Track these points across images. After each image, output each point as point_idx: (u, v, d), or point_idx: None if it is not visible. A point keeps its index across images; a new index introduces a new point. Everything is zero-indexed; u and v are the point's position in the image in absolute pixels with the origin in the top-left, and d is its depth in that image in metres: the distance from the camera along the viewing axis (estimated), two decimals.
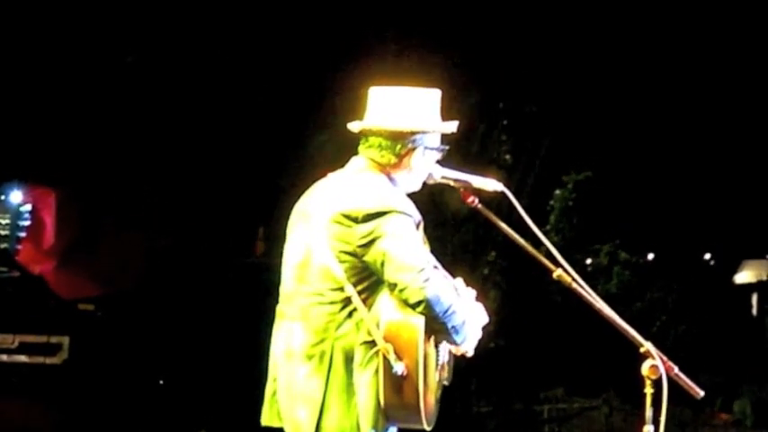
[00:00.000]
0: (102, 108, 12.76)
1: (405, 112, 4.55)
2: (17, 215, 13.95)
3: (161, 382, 10.83)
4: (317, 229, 4.41)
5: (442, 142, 4.67)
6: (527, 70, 13.67)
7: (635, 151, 15.24)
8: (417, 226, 4.40)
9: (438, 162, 4.65)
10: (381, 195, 4.40)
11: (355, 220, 4.33)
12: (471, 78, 13.07)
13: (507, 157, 13.64)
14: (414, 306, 4.24)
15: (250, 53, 12.73)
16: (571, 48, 13.81)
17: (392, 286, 4.27)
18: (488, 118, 13.59)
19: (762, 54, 14.16)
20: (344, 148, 4.75)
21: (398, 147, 4.53)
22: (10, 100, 12.40)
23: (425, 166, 4.61)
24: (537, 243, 4.50)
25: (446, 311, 4.28)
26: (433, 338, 4.40)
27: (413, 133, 4.54)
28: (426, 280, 4.23)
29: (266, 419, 4.56)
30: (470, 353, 4.63)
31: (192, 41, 12.65)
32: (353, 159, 4.63)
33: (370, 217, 4.32)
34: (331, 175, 4.63)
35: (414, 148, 4.55)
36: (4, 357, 10.02)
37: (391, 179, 4.53)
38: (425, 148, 4.58)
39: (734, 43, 14.47)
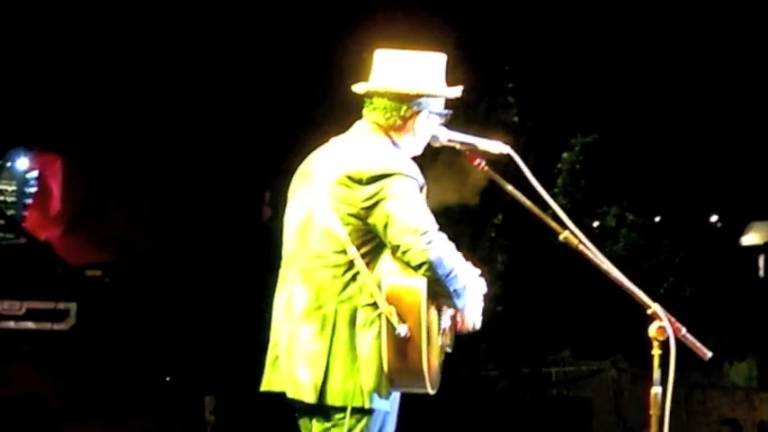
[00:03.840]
0: (109, 73, 12.73)
1: (411, 75, 4.54)
2: (24, 182, 13.95)
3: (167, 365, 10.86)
4: (319, 192, 4.41)
5: (448, 105, 4.66)
6: (534, 32, 13.63)
7: (642, 113, 15.19)
8: (421, 189, 4.40)
9: (444, 124, 4.63)
10: (386, 157, 4.39)
11: (360, 182, 4.32)
12: (478, 40, 13.02)
13: (515, 119, 13.63)
14: (416, 268, 4.23)
15: (256, 21, 12.69)
16: (577, 10, 13.76)
17: (395, 248, 4.25)
18: (495, 80, 13.56)
19: None
20: (350, 112, 4.73)
21: (404, 109, 4.52)
22: (16, 66, 12.38)
23: (428, 131, 4.60)
24: (544, 206, 4.48)
25: (448, 274, 4.27)
26: (435, 303, 4.40)
27: (419, 96, 4.53)
28: (430, 242, 4.22)
29: (266, 385, 4.53)
30: (478, 325, 4.61)
31: (198, 11, 12.61)
32: (357, 123, 4.61)
33: (374, 179, 4.30)
34: (334, 140, 4.63)
35: (418, 112, 4.54)
36: (12, 324, 10.05)
37: (394, 143, 4.53)
38: (430, 112, 4.57)
39: (740, 10, 14.41)
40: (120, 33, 12.59)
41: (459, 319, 4.59)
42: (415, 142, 4.59)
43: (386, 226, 4.26)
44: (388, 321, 4.24)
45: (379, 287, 4.28)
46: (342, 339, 4.31)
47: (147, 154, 13.05)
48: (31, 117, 12.86)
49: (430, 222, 4.30)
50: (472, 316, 4.56)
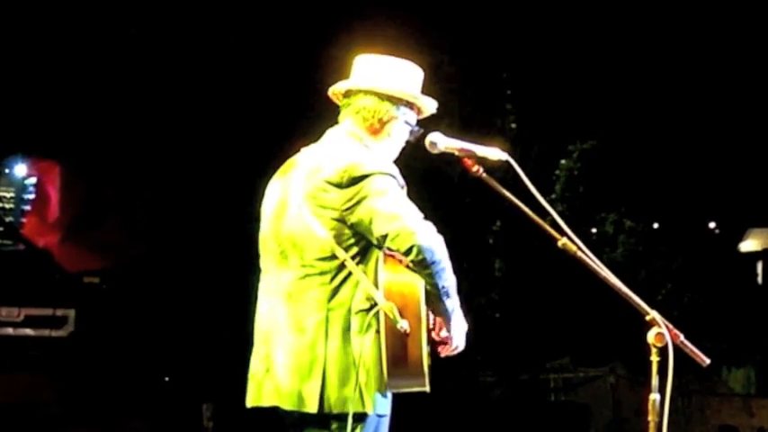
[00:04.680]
0: (107, 82, 12.76)
1: (397, 79, 4.53)
2: (22, 188, 13.99)
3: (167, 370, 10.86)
4: (296, 201, 4.37)
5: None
6: (532, 40, 13.64)
7: (640, 120, 15.22)
8: (401, 189, 4.38)
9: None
10: (363, 159, 4.34)
11: (339, 186, 4.27)
12: (476, 48, 13.04)
13: (512, 126, 13.64)
14: (406, 253, 4.17)
15: (248, 34, 12.75)
16: (575, 18, 13.78)
17: (383, 238, 4.20)
18: (493, 87, 13.58)
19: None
20: (334, 117, 4.70)
21: (384, 110, 4.50)
22: (15, 74, 12.39)
23: (401, 140, 4.58)
24: (542, 212, 4.47)
25: (438, 263, 4.21)
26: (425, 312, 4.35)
27: (401, 100, 4.52)
28: (418, 226, 4.18)
29: (256, 400, 4.42)
30: (461, 348, 4.49)
31: (193, 19, 12.64)
32: (329, 132, 4.58)
33: (354, 180, 4.26)
34: (305, 150, 4.57)
35: (396, 117, 4.52)
36: (10, 331, 10.04)
37: (369, 148, 4.48)
38: (405, 121, 4.55)
39: (739, 15, 14.43)
40: (118, 46, 12.63)
41: (444, 335, 4.50)
42: (388, 149, 4.56)
43: (371, 221, 4.21)
44: (387, 319, 4.22)
45: (376, 285, 4.27)
46: (335, 346, 4.27)
47: (142, 161, 13.07)
48: (30, 124, 12.88)
49: (416, 212, 4.28)
50: (458, 332, 4.45)
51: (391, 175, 4.31)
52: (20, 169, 14.02)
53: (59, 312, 10.14)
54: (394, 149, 4.59)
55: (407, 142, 4.63)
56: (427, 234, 4.19)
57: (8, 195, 13.92)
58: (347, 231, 4.26)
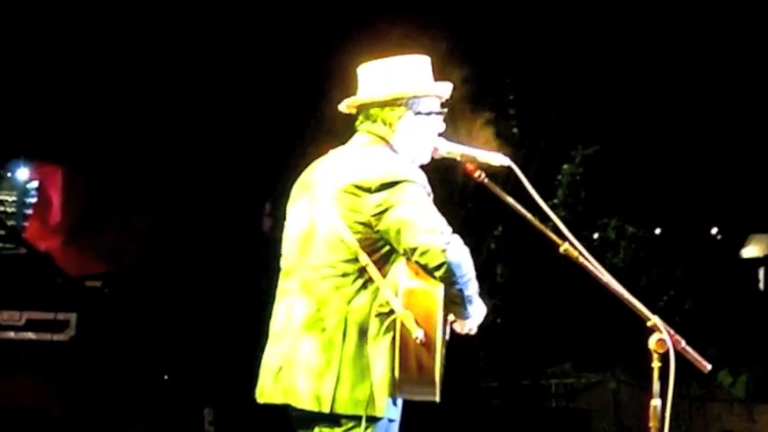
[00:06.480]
0: (109, 86, 12.76)
1: (391, 80, 4.52)
2: (24, 192, 13.99)
3: (166, 372, 10.86)
4: (324, 201, 4.39)
5: (446, 105, 4.63)
6: (535, 44, 13.64)
7: (642, 125, 15.20)
8: (428, 196, 4.39)
9: (444, 137, 4.61)
10: (392, 165, 4.37)
11: (368, 191, 4.29)
12: (478, 52, 13.03)
13: (515, 131, 13.63)
14: (435, 269, 4.19)
15: (252, 35, 12.74)
16: (577, 22, 13.78)
17: (412, 251, 4.21)
18: (496, 92, 13.57)
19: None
20: (349, 122, 4.72)
21: (384, 114, 4.51)
22: (17, 77, 12.40)
23: (425, 132, 4.56)
24: (544, 217, 4.48)
25: (465, 276, 4.25)
26: (444, 313, 4.37)
27: (398, 99, 4.51)
28: (448, 242, 4.20)
29: (269, 396, 4.46)
30: (474, 330, 4.58)
31: (198, 22, 12.64)
32: (356, 135, 4.60)
33: (383, 187, 4.28)
34: (333, 151, 4.60)
35: (401, 115, 4.51)
36: (12, 334, 10.04)
37: (394, 151, 4.51)
38: (416, 113, 4.52)
39: (742, 18, 14.43)
40: (122, 50, 12.63)
41: (457, 325, 4.56)
42: (413, 146, 4.55)
43: (398, 232, 4.23)
44: (403, 327, 4.23)
45: (396, 293, 4.27)
46: (352, 348, 4.29)
47: (145, 166, 13.07)
48: (32, 128, 12.88)
49: (444, 224, 4.29)
50: (472, 324, 4.54)
51: (419, 184, 4.32)
52: (22, 173, 14.02)
53: (61, 316, 10.14)
54: (421, 145, 4.58)
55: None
56: (456, 250, 4.23)
57: (10, 199, 13.92)
58: (372, 236, 4.30)
